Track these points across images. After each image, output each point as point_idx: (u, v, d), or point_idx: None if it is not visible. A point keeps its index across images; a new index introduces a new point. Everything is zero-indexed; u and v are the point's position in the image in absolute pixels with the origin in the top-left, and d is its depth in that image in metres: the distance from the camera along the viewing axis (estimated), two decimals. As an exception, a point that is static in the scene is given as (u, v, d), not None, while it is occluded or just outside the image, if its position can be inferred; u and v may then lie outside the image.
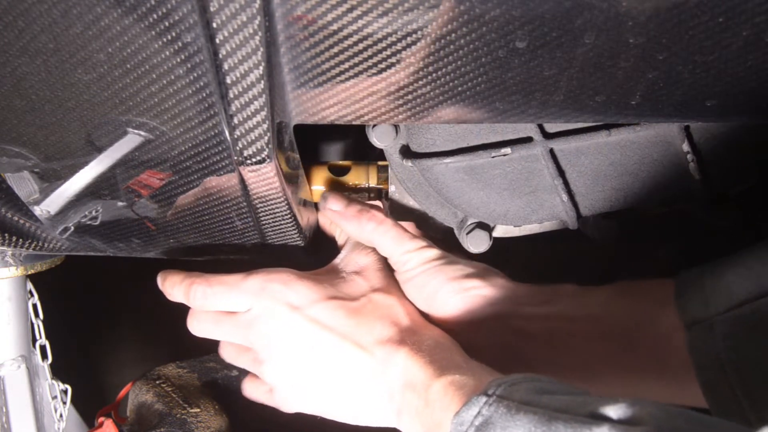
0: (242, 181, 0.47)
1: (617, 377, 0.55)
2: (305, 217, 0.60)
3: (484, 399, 0.41)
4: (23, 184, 0.51)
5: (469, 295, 0.58)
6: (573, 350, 0.56)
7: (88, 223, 0.54)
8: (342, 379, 0.54)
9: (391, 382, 0.52)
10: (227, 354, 0.63)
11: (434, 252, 0.61)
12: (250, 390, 0.63)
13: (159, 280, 0.60)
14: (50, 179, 0.49)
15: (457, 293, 0.58)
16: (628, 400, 0.36)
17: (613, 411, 0.36)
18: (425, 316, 0.60)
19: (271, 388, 0.58)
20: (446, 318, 0.59)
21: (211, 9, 0.36)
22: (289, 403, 0.58)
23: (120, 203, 0.52)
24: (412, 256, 0.60)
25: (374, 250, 0.62)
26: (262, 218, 0.53)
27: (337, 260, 0.63)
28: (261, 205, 0.51)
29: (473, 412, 0.41)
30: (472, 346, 0.57)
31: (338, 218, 0.61)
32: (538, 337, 0.57)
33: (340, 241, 0.66)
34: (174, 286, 0.58)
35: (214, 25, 0.37)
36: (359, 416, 0.55)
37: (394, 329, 0.54)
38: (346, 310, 0.55)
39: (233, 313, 0.58)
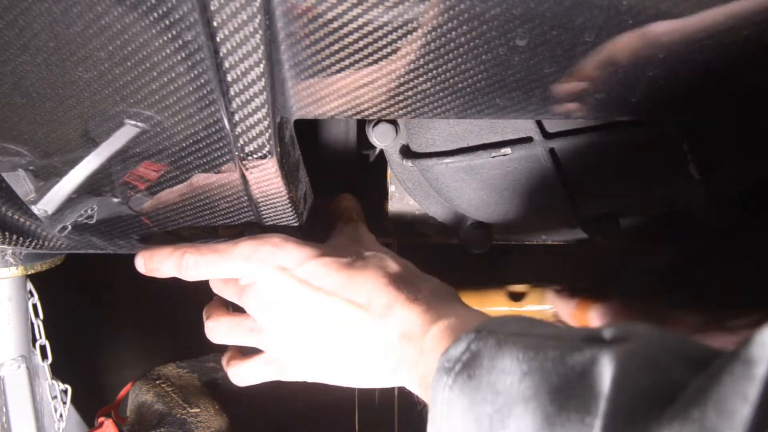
0: (243, 176, 0.47)
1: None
2: (305, 211, 0.60)
3: (473, 335, 0.40)
4: (19, 184, 0.50)
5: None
6: None
7: (85, 221, 0.54)
8: (338, 338, 0.52)
9: (387, 335, 0.50)
10: (218, 333, 0.58)
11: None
12: (243, 372, 0.58)
13: (141, 260, 0.56)
14: (46, 177, 0.49)
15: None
16: (622, 323, 0.36)
17: (607, 332, 0.35)
18: None
19: (271, 357, 0.56)
20: None
21: (212, 8, 0.36)
22: (290, 371, 0.56)
23: (118, 200, 0.52)
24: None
25: (364, 224, 0.61)
26: (263, 212, 0.53)
27: (331, 237, 0.61)
28: (262, 199, 0.51)
29: (461, 348, 0.40)
30: None
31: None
32: None
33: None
34: (164, 260, 0.55)
35: (215, 23, 0.37)
36: (359, 377, 0.53)
37: (387, 280, 0.52)
38: (337, 266, 0.53)
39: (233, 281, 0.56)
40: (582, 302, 0.62)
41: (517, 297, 0.66)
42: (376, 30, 0.39)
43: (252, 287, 0.54)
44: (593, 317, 0.62)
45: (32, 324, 0.79)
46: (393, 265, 0.54)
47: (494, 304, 0.65)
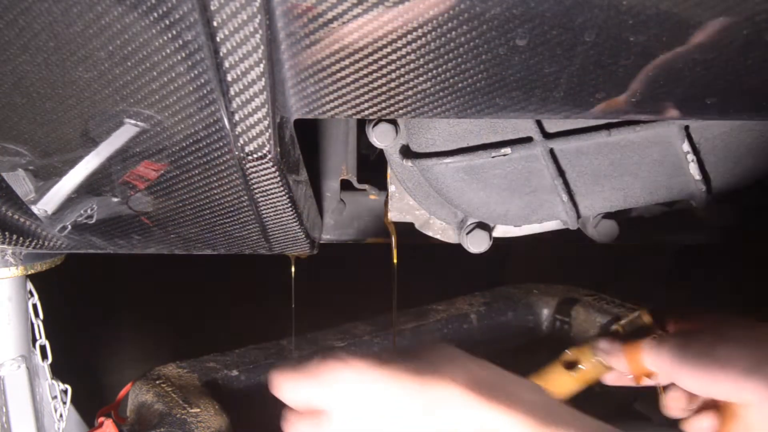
0: (244, 176, 0.47)
1: None
2: (306, 210, 0.60)
3: None
4: (19, 184, 0.50)
5: None
6: None
7: (85, 221, 0.54)
8: None
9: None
10: None
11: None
12: None
13: (272, 383, 0.54)
14: (46, 177, 0.50)
15: None
16: None
17: None
18: None
19: None
20: None
21: (212, 8, 0.36)
22: None
23: (117, 200, 0.52)
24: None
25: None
26: (264, 212, 0.53)
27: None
28: (262, 198, 0.51)
29: None
30: None
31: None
32: None
33: None
34: (278, 384, 0.52)
35: (215, 23, 0.37)
36: None
37: (469, 385, 0.48)
38: (406, 375, 0.49)
39: (318, 411, 0.51)
40: (629, 347, 0.60)
41: (571, 365, 0.65)
42: (376, 30, 0.39)
43: (326, 418, 0.50)
44: (649, 362, 0.59)
45: (32, 324, 0.79)
46: (473, 366, 0.50)
47: (555, 381, 0.64)
